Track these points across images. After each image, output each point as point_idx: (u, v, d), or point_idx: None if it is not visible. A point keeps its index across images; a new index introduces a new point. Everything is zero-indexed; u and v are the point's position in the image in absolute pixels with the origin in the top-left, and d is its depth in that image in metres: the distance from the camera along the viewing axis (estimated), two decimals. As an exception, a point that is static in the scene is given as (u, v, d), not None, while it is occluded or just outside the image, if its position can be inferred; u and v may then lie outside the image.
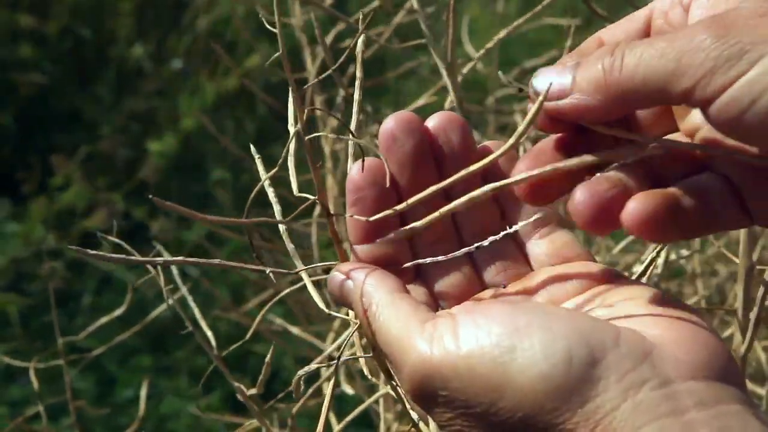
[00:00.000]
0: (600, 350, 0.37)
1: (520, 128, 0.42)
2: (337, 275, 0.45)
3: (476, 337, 0.39)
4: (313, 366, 0.45)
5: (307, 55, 0.83)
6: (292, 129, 0.45)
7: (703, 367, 0.38)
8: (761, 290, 0.55)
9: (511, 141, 0.43)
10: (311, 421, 1.25)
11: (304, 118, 0.43)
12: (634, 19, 0.45)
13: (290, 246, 0.47)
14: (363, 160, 0.46)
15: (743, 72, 0.36)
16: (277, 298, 0.51)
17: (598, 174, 0.42)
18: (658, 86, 0.39)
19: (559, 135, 0.45)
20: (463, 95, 0.65)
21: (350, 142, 0.47)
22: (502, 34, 0.67)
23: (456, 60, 0.64)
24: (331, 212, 0.46)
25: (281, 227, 0.48)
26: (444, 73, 0.63)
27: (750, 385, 0.72)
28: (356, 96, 0.48)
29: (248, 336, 0.63)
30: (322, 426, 0.46)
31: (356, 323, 0.45)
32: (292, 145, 0.47)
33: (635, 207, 0.40)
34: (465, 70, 0.67)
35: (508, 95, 1.04)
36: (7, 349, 1.59)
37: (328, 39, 0.78)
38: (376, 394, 0.60)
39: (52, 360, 0.87)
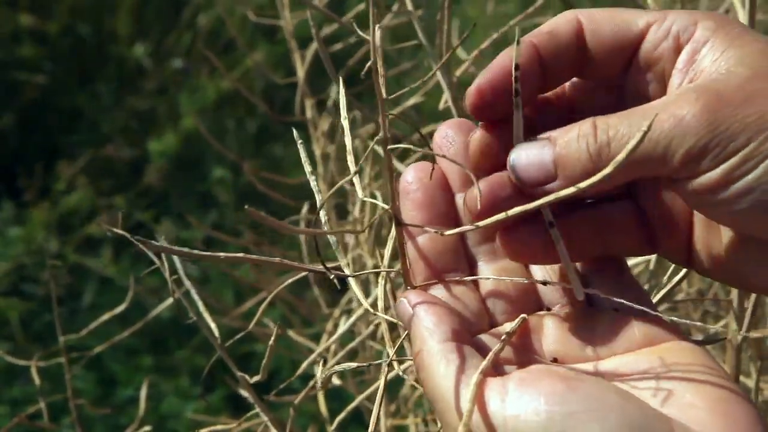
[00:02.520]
0: None
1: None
2: (404, 303, 0.45)
3: (525, 416, 0.37)
4: (313, 364, 0.44)
5: (296, 58, 0.83)
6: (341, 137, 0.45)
7: None
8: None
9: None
10: (308, 420, 1.26)
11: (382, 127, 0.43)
12: (628, 29, 0.44)
13: (339, 250, 0.48)
14: (434, 165, 0.48)
15: (727, 158, 0.38)
16: (270, 297, 0.51)
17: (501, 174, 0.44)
18: (646, 168, 0.40)
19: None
20: (458, 95, 0.65)
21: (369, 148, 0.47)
22: (496, 35, 0.67)
23: (450, 59, 0.64)
24: (402, 222, 0.46)
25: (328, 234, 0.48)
26: (438, 72, 0.63)
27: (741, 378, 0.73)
28: (382, 91, 0.48)
29: (249, 328, 0.64)
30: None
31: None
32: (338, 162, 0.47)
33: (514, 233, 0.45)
34: (459, 72, 0.67)
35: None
36: (8, 348, 1.59)
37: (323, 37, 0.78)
38: (368, 390, 0.60)
39: (53, 359, 0.88)
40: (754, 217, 0.39)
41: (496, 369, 0.43)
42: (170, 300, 0.60)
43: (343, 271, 0.48)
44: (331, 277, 0.44)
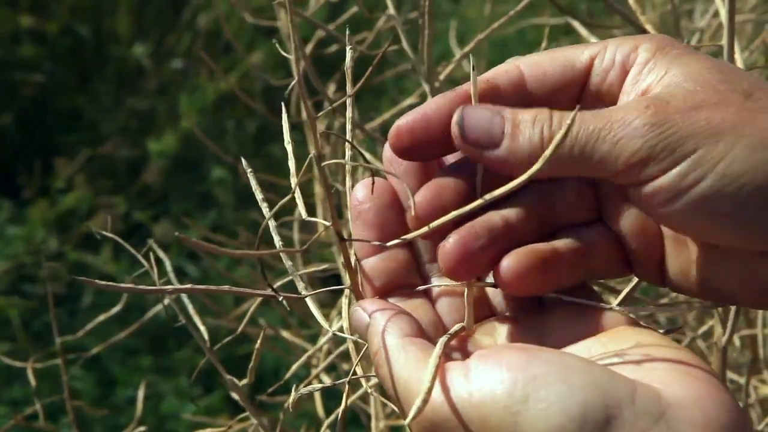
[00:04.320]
0: (615, 406, 0.36)
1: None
2: (359, 311, 0.45)
3: (489, 385, 0.38)
4: (295, 368, 0.44)
5: (292, 59, 0.83)
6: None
7: (718, 430, 0.37)
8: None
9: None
10: (307, 420, 1.26)
11: (319, 142, 0.43)
12: (572, 67, 0.45)
13: (290, 265, 0.47)
14: (373, 179, 0.47)
15: (676, 163, 0.39)
16: (259, 300, 0.51)
17: (472, 223, 0.44)
18: (591, 164, 0.41)
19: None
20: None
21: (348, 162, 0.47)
22: (481, 36, 0.67)
23: (432, 63, 0.64)
24: (344, 238, 0.46)
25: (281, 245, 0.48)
26: (421, 77, 0.63)
27: (729, 374, 0.73)
28: (348, 114, 0.48)
29: (240, 329, 0.64)
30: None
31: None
32: (291, 165, 0.47)
33: (508, 265, 0.43)
34: (447, 71, 0.67)
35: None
36: (8, 349, 1.59)
37: (318, 41, 0.78)
38: (361, 390, 0.60)
39: (52, 359, 0.88)
40: (710, 226, 0.40)
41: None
42: (165, 302, 0.60)
43: (299, 291, 0.48)
44: (280, 299, 0.44)
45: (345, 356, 0.85)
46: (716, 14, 0.79)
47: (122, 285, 0.40)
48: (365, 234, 0.47)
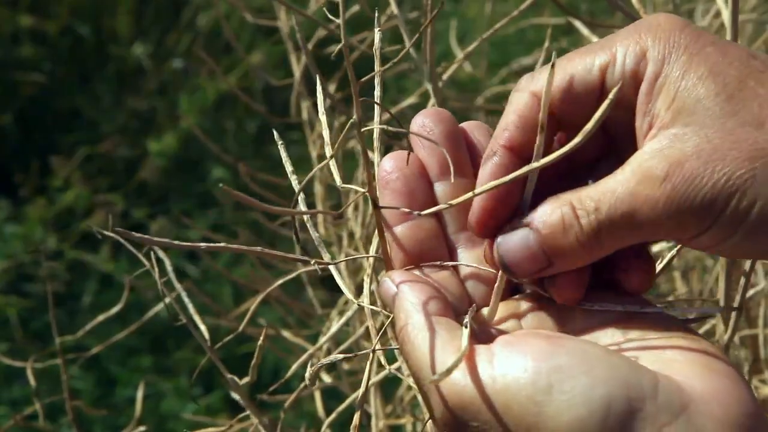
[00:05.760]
0: (638, 399, 0.37)
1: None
2: (387, 282, 0.46)
3: (513, 373, 0.39)
4: (295, 367, 0.44)
5: (293, 59, 0.83)
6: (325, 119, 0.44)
7: (738, 425, 0.38)
8: (742, 281, 0.55)
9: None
10: (309, 420, 1.26)
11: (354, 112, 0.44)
12: (585, 87, 0.45)
13: (315, 235, 0.48)
14: (408, 153, 0.48)
15: (708, 227, 0.40)
16: (261, 297, 0.51)
17: None
18: (642, 237, 0.42)
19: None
20: (454, 95, 0.65)
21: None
22: (485, 36, 0.67)
23: (434, 63, 0.64)
24: (378, 205, 0.47)
25: (307, 221, 0.48)
26: (424, 77, 0.63)
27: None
28: (377, 93, 0.49)
29: (240, 329, 0.64)
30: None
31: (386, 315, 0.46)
32: (325, 135, 0.47)
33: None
34: (449, 72, 0.67)
35: (498, 94, 1.03)
36: (7, 348, 1.59)
37: (317, 40, 0.78)
38: (361, 389, 0.59)
39: (51, 359, 0.88)
40: (754, 255, 0.43)
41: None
42: (165, 301, 0.60)
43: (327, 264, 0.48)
44: (312, 263, 0.44)
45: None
46: (717, 14, 0.79)
47: (155, 238, 0.39)
48: (393, 204, 0.47)
